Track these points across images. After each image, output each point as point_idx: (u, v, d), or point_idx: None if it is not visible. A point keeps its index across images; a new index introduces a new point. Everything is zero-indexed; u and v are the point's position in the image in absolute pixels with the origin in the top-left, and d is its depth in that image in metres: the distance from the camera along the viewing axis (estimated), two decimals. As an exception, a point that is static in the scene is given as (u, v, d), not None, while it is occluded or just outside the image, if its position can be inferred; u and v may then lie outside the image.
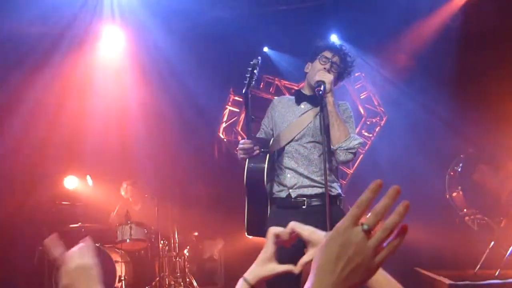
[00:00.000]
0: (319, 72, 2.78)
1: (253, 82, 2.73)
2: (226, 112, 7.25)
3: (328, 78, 2.72)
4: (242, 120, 7.18)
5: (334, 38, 6.60)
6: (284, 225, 2.87)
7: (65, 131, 5.93)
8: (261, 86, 7.14)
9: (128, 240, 5.16)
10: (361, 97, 7.01)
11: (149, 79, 6.44)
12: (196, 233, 5.98)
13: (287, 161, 2.80)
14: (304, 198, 2.73)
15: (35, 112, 5.81)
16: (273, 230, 1.11)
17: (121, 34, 6.34)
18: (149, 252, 5.39)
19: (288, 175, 2.78)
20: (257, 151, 2.73)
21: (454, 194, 5.11)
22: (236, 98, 7.23)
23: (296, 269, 1.07)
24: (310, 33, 6.32)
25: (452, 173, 5.19)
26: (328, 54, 2.85)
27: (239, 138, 7.20)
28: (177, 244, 5.56)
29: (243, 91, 2.70)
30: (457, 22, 5.99)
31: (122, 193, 5.83)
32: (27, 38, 5.39)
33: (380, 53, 6.54)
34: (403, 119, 6.39)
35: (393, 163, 6.18)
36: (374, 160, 6.67)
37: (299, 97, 2.93)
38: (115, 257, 4.99)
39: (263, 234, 2.98)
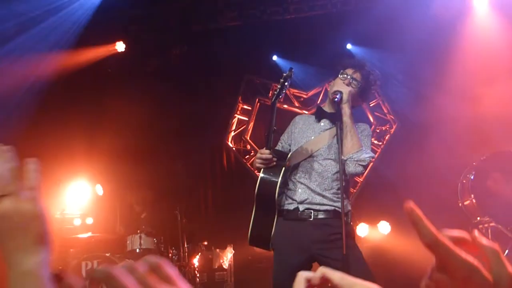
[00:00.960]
0: (337, 83, 2.86)
1: (283, 94, 2.77)
2: (235, 120, 7.26)
3: (346, 89, 2.79)
4: (251, 129, 7.18)
5: (349, 47, 6.62)
6: (291, 237, 2.86)
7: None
8: (270, 94, 7.14)
9: (138, 250, 5.14)
10: (371, 105, 6.97)
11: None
12: (205, 242, 5.95)
13: (300, 176, 2.81)
14: (311, 211, 2.73)
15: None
16: (304, 274, 1.08)
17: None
18: (158, 262, 5.36)
19: (299, 190, 2.78)
20: (274, 163, 2.74)
21: (467, 202, 5.03)
22: (245, 106, 7.24)
23: None
24: (322, 41, 6.35)
25: (464, 181, 5.11)
26: (349, 71, 2.89)
27: (248, 146, 7.20)
28: (186, 254, 5.54)
29: (272, 101, 2.75)
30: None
31: (135, 206, 5.78)
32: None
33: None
34: (414, 126, 6.36)
35: (404, 172, 6.13)
36: (383, 168, 6.62)
37: (320, 114, 2.97)
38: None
39: (265, 246, 2.97)
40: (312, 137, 2.88)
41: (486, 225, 4.94)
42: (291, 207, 2.79)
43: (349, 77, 2.84)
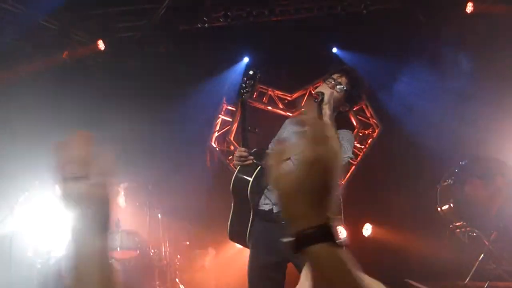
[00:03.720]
0: (321, 85, 2.90)
1: (250, 92, 2.80)
2: (219, 121, 7.26)
3: (328, 91, 2.81)
4: (235, 130, 7.19)
5: (335, 50, 6.68)
6: (266, 237, 2.89)
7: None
8: (254, 96, 7.16)
9: (118, 249, 5.11)
10: (354, 108, 7.04)
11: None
12: (187, 243, 5.94)
13: None
14: None
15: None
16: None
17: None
18: (139, 261, 5.33)
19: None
20: (250, 161, 2.79)
21: (445, 206, 5.13)
22: (229, 107, 7.25)
23: None
24: (308, 45, 6.41)
25: (444, 185, 5.21)
26: (335, 75, 2.92)
27: (231, 147, 7.20)
28: (167, 254, 5.52)
29: (240, 100, 2.78)
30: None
31: (121, 201, 5.74)
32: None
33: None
34: (396, 129, 6.46)
35: (386, 173, 6.22)
36: (366, 171, 6.70)
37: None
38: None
39: (243, 242, 3.01)
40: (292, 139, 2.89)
41: (463, 229, 5.05)
42: (267, 208, 2.85)
43: (333, 81, 2.88)
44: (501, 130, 5.45)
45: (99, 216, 0.89)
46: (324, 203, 0.78)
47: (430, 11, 6.07)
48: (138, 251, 5.25)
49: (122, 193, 5.69)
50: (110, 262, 0.88)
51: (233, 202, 2.96)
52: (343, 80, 2.89)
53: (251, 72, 2.84)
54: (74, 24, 6.19)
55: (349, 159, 2.81)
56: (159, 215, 5.54)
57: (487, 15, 5.82)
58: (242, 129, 2.85)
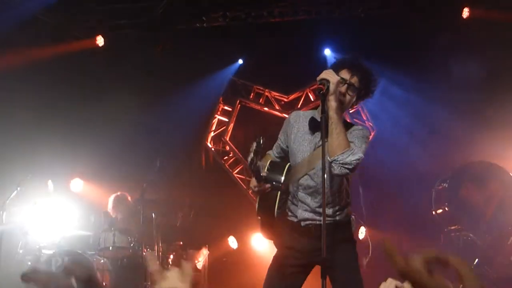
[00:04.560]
0: (325, 71, 2.49)
1: (258, 161, 2.57)
2: (215, 121, 7.23)
3: (334, 78, 2.43)
4: (231, 130, 7.17)
5: (328, 52, 6.67)
6: (294, 244, 2.84)
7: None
8: (251, 96, 7.15)
9: (111, 248, 5.06)
10: (350, 111, 7.04)
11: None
12: (180, 242, 5.89)
13: (300, 194, 2.72)
14: (313, 225, 2.68)
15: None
16: (393, 283, 1.06)
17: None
18: (131, 260, 5.28)
19: (300, 210, 2.72)
20: (268, 189, 2.71)
21: (440, 210, 5.14)
22: (226, 107, 7.23)
23: None
24: (305, 46, 6.41)
25: (439, 189, 5.22)
26: (345, 74, 2.57)
27: (227, 147, 7.17)
28: (160, 253, 5.47)
29: (251, 167, 2.56)
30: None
31: (109, 208, 5.65)
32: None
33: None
34: (393, 134, 6.46)
35: (381, 176, 6.21)
36: (360, 175, 6.69)
37: (313, 125, 2.68)
38: (97, 264, 4.88)
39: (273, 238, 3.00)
40: (308, 154, 2.68)
41: (457, 233, 5.05)
42: (294, 219, 2.78)
43: (346, 83, 2.54)
44: (496, 136, 5.47)
45: None
46: None
47: (427, 16, 6.09)
48: (130, 250, 5.21)
49: (111, 202, 5.62)
50: None
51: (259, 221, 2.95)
52: (355, 80, 2.56)
53: (260, 141, 2.50)
54: (72, 19, 6.15)
55: (358, 162, 2.43)
56: (153, 214, 5.49)
57: (483, 21, 5.84)
58: (252, 166, 2.56)
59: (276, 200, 2.74)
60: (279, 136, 2.96)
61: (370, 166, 6.57)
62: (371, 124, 6.95)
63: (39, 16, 5.83)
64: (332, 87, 2.39)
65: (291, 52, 6.52)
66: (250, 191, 2.83)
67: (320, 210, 2.58)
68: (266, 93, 7.15)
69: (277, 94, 7.15)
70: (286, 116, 3.08)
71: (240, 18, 6.38)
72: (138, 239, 5.24)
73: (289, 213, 2.81)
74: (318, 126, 2.54)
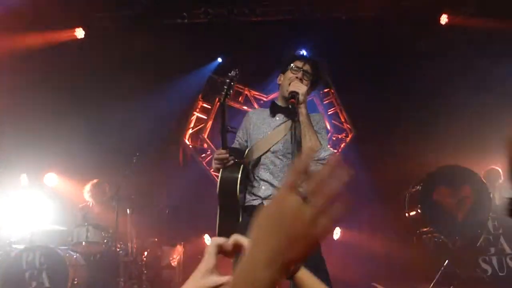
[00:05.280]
0: (292, 83, 2.76)
1: (230, 93, 2.73)
2: (193, 118, 7.20)
3: (302, 89, 2.69)
4: (209, 128, 7.14)
5: (304, 54, 6.71)
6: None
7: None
8: (231, 95, 7.13)
9: (83, 243, 4.98)
10: (329, 113, 7.11)
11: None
12: (155, 239, 5.84)
13: (262, 173, 2.78)
14: None
15: None
16: (215, 241, 1.05)
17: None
18: (104, 256, 5.21)
19: (263, 187, 2.76)
20: (232, 162, 2.72)
21: (413, 212, 5.23)
22: (204, 105, 7.20)
23: None
24: (285, 46, 6.42)
25: (412, 192, 5.31)
26: (298, 63, 2.84)
27: (205, 145, 7.15)
28: (134, 249, 5.41)
29: (221, 101, 2.69)
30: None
31: (86, 195, 5.58)
32: None
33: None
34: (369, 135, 6.55)
35: (356, 178, 6.28)
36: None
37: (274, 109, 2.92)
38: (69, 259, 4.79)
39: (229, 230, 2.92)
40: (268, 132, 2.85)
41: (429, 235, 5.15)
42: (256, 202, 2.78)
43: (301, 70, 2.80)
44: (470, 140, 5.61)
45: (295, 248, 0.70)
46: None
47: (407, 21, 6.19)
48: (104, 246, 5.13)
49: (89, 189, 5.54)
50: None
51: (218, 207, 2.82)
52: (308, 67, 2.83)
53: (232, 73, 2.77)
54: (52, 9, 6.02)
55: (330, 157, 2.68)
56: (128, 210, 5.43)
57: (461, 28, 5.98)
58: (222, 129, 2.77)
59: (238, 175, 2.73)
60: (237, 133, 3.04)
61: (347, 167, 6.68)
62: (349, 127, 7.04)
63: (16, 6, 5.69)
64: (301, 98, 2.65)
65: (272, 51, 6.54)
66: (212, 169, 2.77)
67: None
68: (246, 92, 7.15)
69: (257, 93, 7.16)
70: (264, 109, 3.13)
71: (222, 15, 6.36)
72: (112, 235, 5.17)
73: (250, 197, 2.82)
74: (279, 108, 2.89)
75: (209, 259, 0.99)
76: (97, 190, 5.55)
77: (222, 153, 2.69)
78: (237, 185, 2.71)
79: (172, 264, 5.94)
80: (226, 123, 2.72)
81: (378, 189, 6.21)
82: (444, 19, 6.05)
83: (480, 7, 5.91)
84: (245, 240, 1.01)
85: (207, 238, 6.45)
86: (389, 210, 5.94)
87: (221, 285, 0.95)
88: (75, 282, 4.73)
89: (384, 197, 6.06)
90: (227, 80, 2.71)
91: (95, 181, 5.58)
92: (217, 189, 2.76)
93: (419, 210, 5.11)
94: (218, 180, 2.75)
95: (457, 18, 6.02)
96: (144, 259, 5.47)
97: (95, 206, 5.58)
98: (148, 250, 5.63)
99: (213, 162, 2.74)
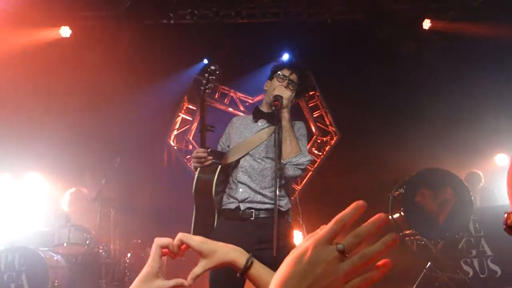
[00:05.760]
0: (278, 87, 2.82)
1: (209, 89, 2.75)
2: (179, 119, 7.16)
3: (286, 94, 2.76)
4: (194, 129, 7.12)
5: (286, 57, 6.73)
6: (230, 236, 2.83)
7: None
8: (216, 96, 7.12)
9: (65, 244, 4.91)
10: (314, 115, 7.14)
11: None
12: (139, 241, 5.79)
13: (240, 176, 2.79)
14: (252, 210, 2.73)
15: None
16: (159, 241, 0.99)
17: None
18: (86, 257, 5.14)
19: (240, 190, 2.76)
20: (210, 161, 2.72)
21: (397, 214, 5.26)
22: (190, 106, 7.17)
23: (187, 282, 1.00)
24: (271, 48, 6.44)
25: (395, 195, 5.35)
26: (286, 72, 2.88)
27: (190, 146, 7.11)
28: (117, 251, 5.35)
29: (200, 97, 2.71)
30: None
31: (65, 206, 5.48)
32: None
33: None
34: (354, 138, 6.58)
35: (342, 180, 6.32)
36: (323, 177, 6.79)
37: (257, 114, 2.96)
38: (50, 261, 4.72)
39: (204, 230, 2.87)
40: (250, 136, 2.87)
41: (412, 238, 5.19)
42: (232, 206, 2.77)
43: (287, 79, 2.85)
44: (452, 144, 5.68)
45: None
46: None
47: (392, 24, 6.25)
48: (85, 247, 5.07)
49: (68, 199, 5.46)
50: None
51: (195, 206, 2.84)
52: (294, 76, 2.88)
53: (212, 68, 2.79)
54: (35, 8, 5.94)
55: (308, 162, 2.76)
56: (112, 211, 5.37)
57: (444, 33, 6.06)
58: (201, 127, 2.78)
59: (215, 176, 2.73)
60: (221, 139, 3.06)
61: (332, 170, 6.72)
62: (334, 130, 7.07)
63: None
64: (285, 102, 2.71)
65: (258, 53, 6.55)
66: (190, 161, 2.75)
67: (262, 191, 2.73)
68: (232, 94, 7.14)
69: (242, 95, 7.16)
70: (248, 115, 3.15)
71: (208, 16, 6.35)
72: (94, 236, 5.12)
73: (227, 200, 2.82)
74: (262, 114, 2.93)
75: (153, 262, 0.96)
76: (75, 198, 5.47)
77: (200, 151, 2.70)
78: (212, 186, 2.71)
79: (156, 266, 5.88)
80: (205, 120, 2.73)
81: (363, 191, 6.24)
82: (427, 23, 6.12)
83: (464, 13, 6.00)
84: (191, 239, 0.97)
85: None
86: (374, 212, 5.97)
87: None
88: (56, 284, 4.66)
89: (369, 199, 6.08)
90: (206, 75, 2.74)
91: (72, 190, 5.49)
92: (193, 188, 2.76)
93: (402, 213, 5.15)
94: (195, 179, 2.75)
95: (440, 23, 6.10)
96: (127, 261, 5.41)
97: (77, 210, 5.51)
98: (131, 251, 5.58)
99: (191, 160, 2.75)
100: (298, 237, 6.22)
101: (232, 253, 1.02)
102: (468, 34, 5.77)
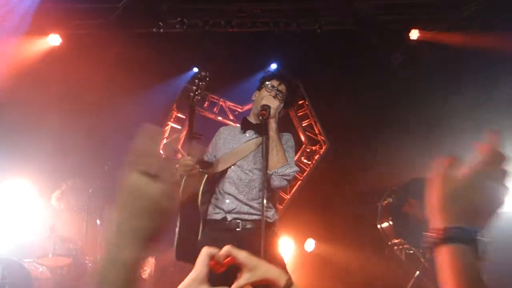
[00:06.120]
0: (266, 97, 2.85)
1: (199, 95, 2.74)
2: (168, 128, 7.13)
3: (274, 104, 2.79)
4: (183, 138, 7.09)
5: (274, 67, 6.75)
6: (217, 247, 2.81)
7: None
8: (205, 105, 7.11)
9: (50, 255, 4.82)
10: (303, 125, 7.15)
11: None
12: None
13: (227, 187, 2.78)
14: (239, 221, 2.71)
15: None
16: (208, 251, 1.03)
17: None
18: (72, 269, 5.05)
19: (227, 201, 2.75)
20: (197, 170, 2.70)
21: (385, 224, 5.28)
22: (179, 115, 7.15)
23: None
24: (261, 58, 6.45)
25: (384, 204, 5.37)
26: (274, 82, 2.92)
27: (179, 156, 7.07)
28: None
29: (189, 103, 2.70)
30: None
31: (54, 201, 5.40)
32: None
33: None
34: (342, 147, 6.60)
35: (331, 190, 6.32)
36: (312, 187, 6.79)
37: (245, 125, 2.98)
38: (35, 273, 4.63)
39: (192, 259, 2.88)
40: (237, 146, 2.87)
41: (400, 247, 5.20)
42: (219, 216, 2.75)
43: (275, 89, 2.87)
44: (442, 153, 5.69)
45: (154, 225, 0.77)
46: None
47: (381, 34, 6.29)
48: (71, 259, 4.98)
49: (56, 195, 5.38)
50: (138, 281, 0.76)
51: (179, 216, 2.80)
52: (283, 87, 2.91)
53: (202, 73, 2.79)
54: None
55: (294, 173, 2.78)
56: (98, 221, 5.30)
57: (432, 43, 6.12)
58: (188, 135, 2.76)
59: (200, 185, 2.71)
60: (207, 149, 3.06)
61: (321, 179, 6.72)
62: (323, 138, 7.09)
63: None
64: (272, 112, 2.74)
65: (248, 63, 6.56)
66: (178, 172, 2.71)
67: (249, 202, 2.73)
68: (221, 103, 7.13)
69: (232, 104, 7.16)
70: (236, 126, 3.15)
71: (198, 26, 6.34)
72: (80, 247, 5.04)
73: (213, 211, 2.78)
74: (250, 125, 2.94)
75: (200, 269, 0.99)
76: (66, 197, 5.40)
77: (187, 160, 2.67)
78: (198, 196, 2.69)
79: (143, 276, 5.82)
80: (193, 127, 2.72)
81: (352, 200, 6.26)
82: (415, 34, 6.18)
83: (454, 23, 6.07)
84: (238, 253, 1.00)
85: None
86: (362, 222, 5.98)
87: None
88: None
89: (357, 208, 6.10)
90: (196, 80, 2.75)
91: (63, 187, 5.41)
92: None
93: (390, 222, 5.17)
94: (180, 189, 2.71)
95: (428, 34, 6.16)
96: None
97: (64, 212, 5.42)
98: (118, 262, 5.49)
99: (178, 168, 2.71)
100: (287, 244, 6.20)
101: (273, 271, 1.04)
102: (457, 44, 5.82)
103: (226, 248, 1.04)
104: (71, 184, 5.42)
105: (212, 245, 2.75)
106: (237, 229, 2.71)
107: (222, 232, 2.71)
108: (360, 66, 6.41)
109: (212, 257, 1.02)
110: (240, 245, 2.68)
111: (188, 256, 2.79)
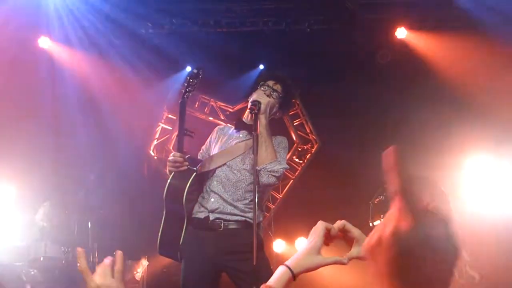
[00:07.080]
0: (257, 93, 2.83)
1: (191, 91, 2.73)
2: (159, 129, 7.11)
3: (265, 99, 2.78)
4: (175, 138, 7.07)
5: (261, 67, 6.75)
6: (199, 247, 2.80)
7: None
8: (196, 105, 7.09)
9: (41, 258, 4.79)
10: (294, 124, 7.16)
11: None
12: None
13: (214, 185, 2.77)
14: (221, 221, 2.70)
15: None
16: (324, 224, 1.11)
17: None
18: (64, 272, 5.01)
19: (212, 199, 2.74)
20: (185, 167, 2.69)
21: (377, 221, 5.30)
22: (170, 116, 7.12)
23: (345, 260, 1.13)
24: (251, 57, 6.45)
25: (376, 201, 5.39)
26: (270, 82, 2.91)
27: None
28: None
29: (180, 100, 2.69)
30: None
31: (38, 218, 5.32)
32: None
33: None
34: (334, 146, 6.62)
35: (322, 188, 6.34)
36: (303, 186, 6.81)
37: (239, 125, 2.96)
38: (27, 276, 4.60)
39: (175, 256, 2.88)
40: (228, 147, 2.86)
41: (392, 244, 5.22)
42: (202, 215, 2.75)
43: (269, 88, 2.87)
44: (435, 151, 5.73)
45: None
46: None
47: (367, 34, 6.32)
48: (63, 261, 4.95)
49: (43, 209, 5.31)
50: None
51: (165, 211, 2.80)
52: (278, 87, 2.89)
53: (195, 71, 2.78)
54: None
55: (284, 170, 2.78)
56: (89, 223, 5.27)
57: (417, 42, 6.17)
58: (179, 131, 2.75)
59: (187, 182, 2.69)
60: (202, 147, 3.07)
61: (312, 178, 6.74)
62: (314, 137, 7.11)
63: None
64: (262, 107, 2.73)
65: (237, 62, 6.55)
66: (167, 168, 2.72)
67: (234, 203, 2.71)
68: (212, 103, 7.13)
69: (223, 104, 7.15)
70: (231, 126, 3.14)
71: (186, 25, 6.33)
72: (71, 250, 5.00)
73: (198, 209, 2.78)
74: (244, 126, 2.92)
75: (317, 240, 1.08)
76: (51, 210, 5.33)
77: (177, 155, 2.67)
78: (184, 192, 2.68)
79: (136, 278, 5.80)
80: (184, 125, 2.71)
81: (344, 199, 6.27)
82: (401, 33, 6.21)
83: (440, 23, 6.12)
84: (353, 228, 1.04)
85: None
86: (355, 220, 5.99)
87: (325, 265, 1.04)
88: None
89: (350, 206, 6.12)
90: (187, 77, 2.74)
91: (45, 204, 5.32)
92: (164, 193, 2.73)
93: (382, 220, 5.18)
94: (167, 184, 2.72)
95: (416, 33, 6.20)
96: (106, 273, 5.30)
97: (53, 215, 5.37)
98: (110, 264, 5.46)
99: (167, 164, 2.71)
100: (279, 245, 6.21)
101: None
102: (446, 43, 5.87)
103: (343, 222, 1.11)
104: (51, 204, 5.35)
105: (195, 243, 2.76)
106: (219, 229, 2.70)
107: (204, 231, 2.71)
108: (350, 65, 6.43)
109: (328, 230, 1.08)
110: (221, 245, 2.68)
111: (170, 252, 2.81)
